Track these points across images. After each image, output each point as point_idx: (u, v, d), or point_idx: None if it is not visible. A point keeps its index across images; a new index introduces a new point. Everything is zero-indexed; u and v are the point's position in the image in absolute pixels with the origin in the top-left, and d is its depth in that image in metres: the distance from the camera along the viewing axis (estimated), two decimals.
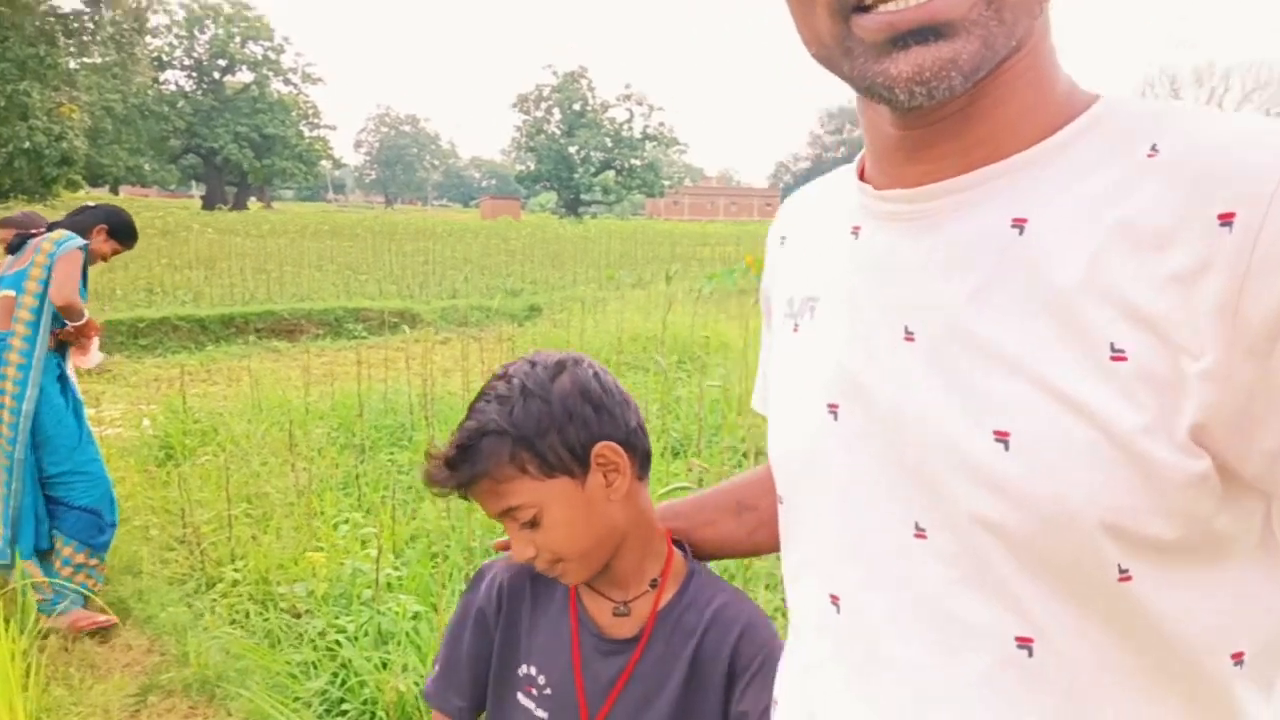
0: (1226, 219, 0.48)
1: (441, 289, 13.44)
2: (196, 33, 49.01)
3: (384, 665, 2.52)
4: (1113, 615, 0.53)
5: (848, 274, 0.64)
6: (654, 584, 0.95)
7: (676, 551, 0.98)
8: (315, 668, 2.58)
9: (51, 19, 29.41)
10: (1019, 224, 0.54)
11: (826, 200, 0.71)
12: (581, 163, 56.88)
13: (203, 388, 7.77)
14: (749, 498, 0.96)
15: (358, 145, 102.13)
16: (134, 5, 32.31)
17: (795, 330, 0.69)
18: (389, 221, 27.69)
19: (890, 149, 0.60)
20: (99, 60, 33.20)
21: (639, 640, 0.93)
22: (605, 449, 0.90)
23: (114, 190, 53.90)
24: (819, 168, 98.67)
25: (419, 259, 16.04)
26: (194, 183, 58.15)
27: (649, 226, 37.94)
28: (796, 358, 0.68)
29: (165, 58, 47.71)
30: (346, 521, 3.79)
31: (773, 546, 0.98)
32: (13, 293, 3.10)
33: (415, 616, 2.81)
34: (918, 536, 0.57)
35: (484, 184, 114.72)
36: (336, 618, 2.85)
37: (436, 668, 1.05)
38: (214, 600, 3.15)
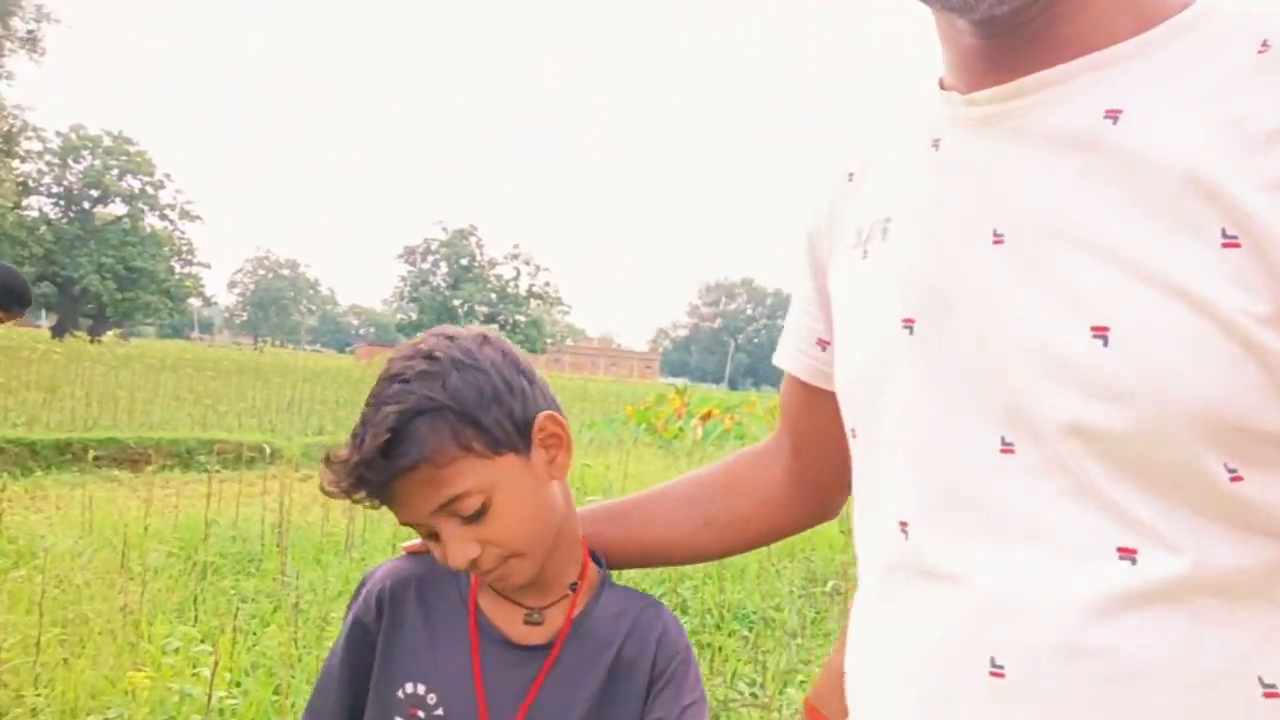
0: None
1: (308, 425, 12.87)
2: (71, 161, 47.68)
3: None
4: (1229, 518, 0.50)
5: (927, 186, 0.60)
6: (573, 587, 0.88)
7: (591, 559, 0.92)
8: None
9: None
10: (1112, 115, 0.52)
11: (900, 126, 0.68)
12: (465, 315, 57.19)
13: (24, 514, 6.99)
14: (701, 495, 0.91)
15: (232, 285, 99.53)
16: (4, 129, 31.31)
17: (864, 257, 0.65)
18: (257, 360, 26.66)
19: (971, 59, 0.58)
20: None
21: (552, 647, 0.85)
22: (547, 420, 0.84)
23: None
24: (697, 336, 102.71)
25: (285, 394, 15.41)
26: (44, 312, 54.73)
27: None
28: (865, 283, 0.65)
29: (32, 183, 45.92)
30: (177, 645, 3.40)
31: (720, 550, 0.93)
32: None
33: None
34: (1004, 451, 0.54)
35: (361, 331, 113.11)
36: None
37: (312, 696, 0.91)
38: None
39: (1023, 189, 0.54)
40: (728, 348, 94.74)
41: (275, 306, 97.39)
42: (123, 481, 9.06)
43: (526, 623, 0.87)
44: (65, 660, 3.10)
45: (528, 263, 60.50)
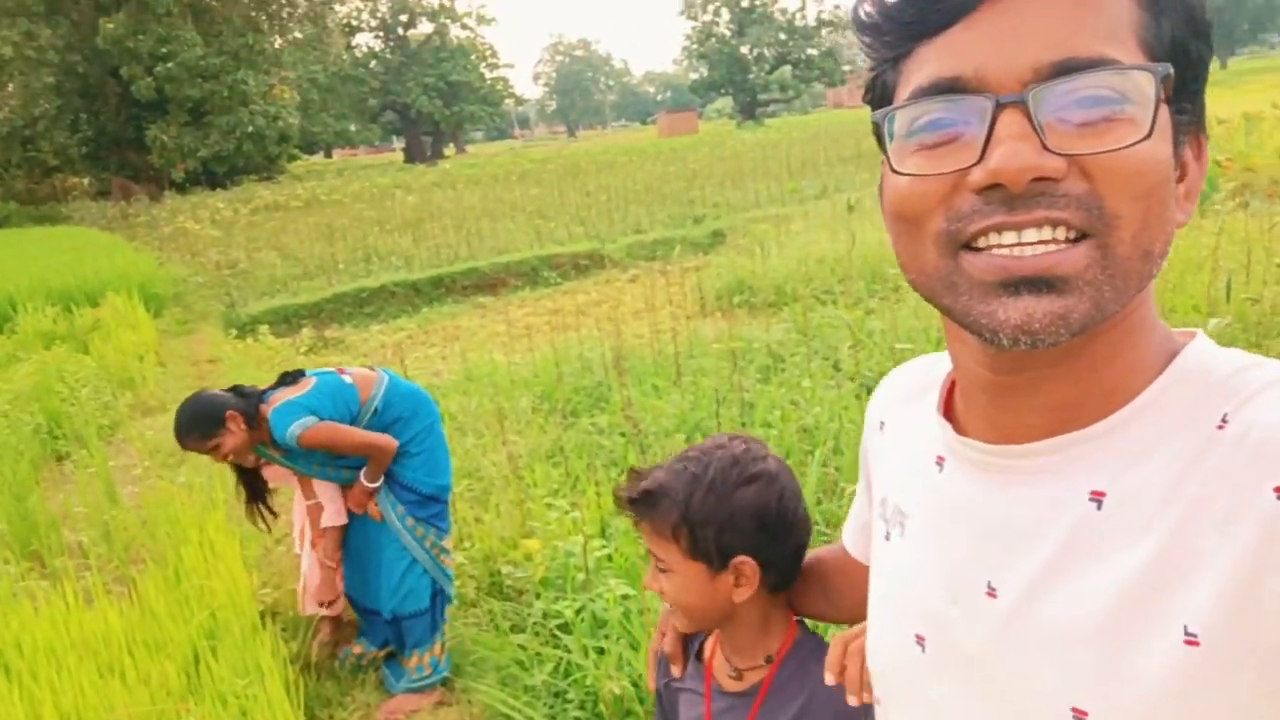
0: None
1: (626, 224, 13.64)
2: None
3: (601, 653, 2.70)
4: None
5: (933, 506, 0.64)
6: (769, 659, 1.07)
7: (797, 626, 1.10)
8: (539, 657, 2.81)
9: (253, 7, 31.91)
10: (1097, 497, 0.53)
11: (919, 395, 0.70)
12: (755, 62, 54.76)
13: (422, 350, 8.44)
14: (832, 578, 1.04)
15: (536, 78, 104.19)
16: None
17: (887, 539, 0.70)
18: (572, 158, 28.26)
19: (976, 390, 0.60)
20: (298, 35, 35.75)
21: (758, 691, 1.06)
22: (744, 564, 1.02)
23: (327, 154, 58.58)
24: None
25: (602, 197, 16.32)
26: (394, 137, 61.98)
27: (831, 120, 36.22)
28: (888, 573, 0.70)
29: (354, 23, 50.54)
30: (556, 493, 4.04)
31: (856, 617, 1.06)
32: None
33: (625, 598, 2.97)
34: None
35: (659, 98, 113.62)
36: (554, 601, 3.07)
37: None
38: None
39: (1009, 555, 0.57)
40: None
41: (578, 90, 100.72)
42: (487, 306, 10.45)
43: (729, 676, 1.10)
44: (477, 519, 3.85)
45: None
